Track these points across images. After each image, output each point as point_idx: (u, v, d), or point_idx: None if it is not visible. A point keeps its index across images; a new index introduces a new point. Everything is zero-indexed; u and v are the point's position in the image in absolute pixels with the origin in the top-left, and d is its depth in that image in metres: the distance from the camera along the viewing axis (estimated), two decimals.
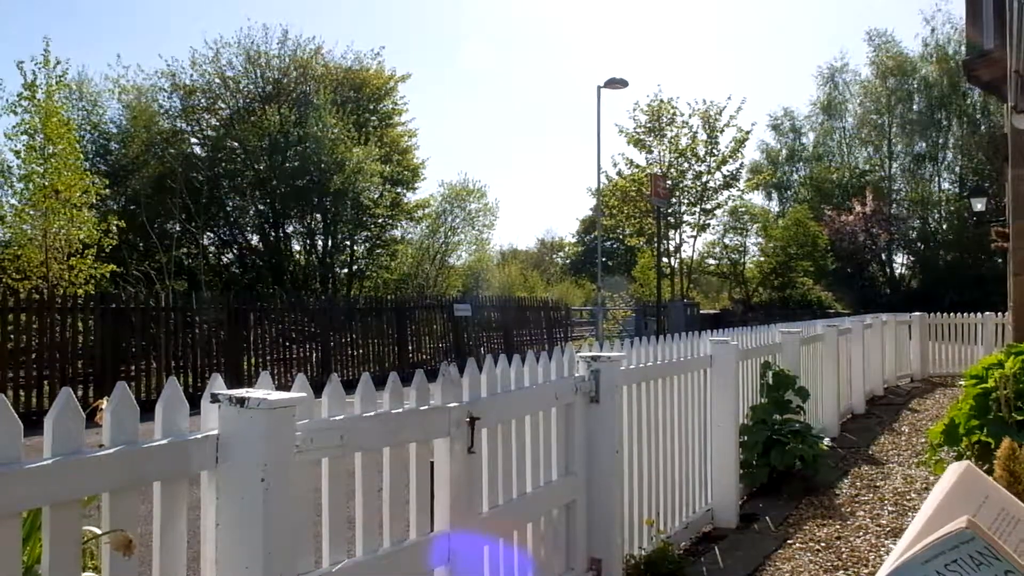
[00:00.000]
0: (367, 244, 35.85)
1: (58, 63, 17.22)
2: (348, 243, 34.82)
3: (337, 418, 2.59)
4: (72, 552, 1.96)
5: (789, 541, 5.54)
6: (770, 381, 7.34)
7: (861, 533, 5.70)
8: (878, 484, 7.13)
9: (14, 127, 16.75)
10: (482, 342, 23.00)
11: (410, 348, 20.23)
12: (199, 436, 2.19)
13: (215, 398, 2.21)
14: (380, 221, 35.40)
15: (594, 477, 4.14)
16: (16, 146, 16.89)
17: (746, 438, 6.75)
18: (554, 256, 71.14)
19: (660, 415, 5.21)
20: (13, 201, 17.65)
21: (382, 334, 19.49)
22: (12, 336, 12.16)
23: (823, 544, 5.47)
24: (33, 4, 56.33)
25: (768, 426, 6.96)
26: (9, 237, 17.63)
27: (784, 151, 51.66)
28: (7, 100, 17.06)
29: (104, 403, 2.36)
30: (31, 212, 16.15)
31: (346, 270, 34.84)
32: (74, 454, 1.92)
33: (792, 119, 51.12)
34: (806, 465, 7.00)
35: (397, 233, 37.22)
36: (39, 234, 15.93)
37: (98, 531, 2.32)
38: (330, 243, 34.00)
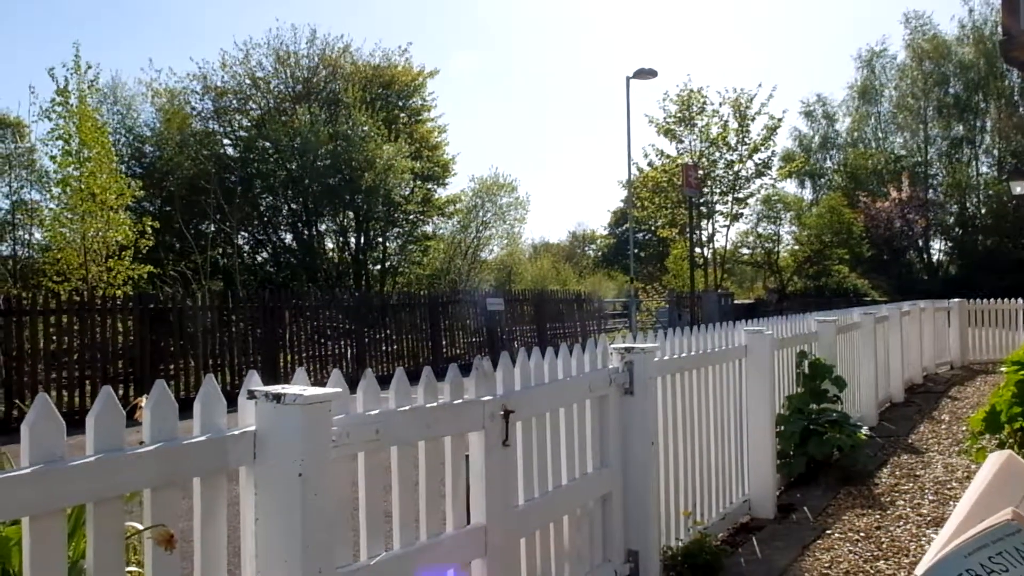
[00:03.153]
0: (399, 240, 36.00)
1: (89, 68, 17.48)
2: (380, 240, 34.98)
3: (372, 412, 2.61)
4: (116, 547, 1.99)
5: (828, 531, 5.49)
6: (806, 370, 7.27)
7: (901, 523, 5.64)
8: (918, 473, 7.04)
9: (49, 132, 17.04)
10: (515, 336, 23.01)
11: (444, 343, 20.29)
12: (237, 432, 2.21)
13: (252, 394, 2.24)
14: (412, 217, 35.54)
15: (630, 469, 4.14)
16: (52, 151, 17.18)
17: (783, 428, 6.70)
18: (586, 248, 71.00)
19: (695, 406, 5.19)
20: (51, 205, 17.95)
21: (415, 329, 19.56)
22: (54, 337, 12.36)
23: (863, 534, 5.42)
24: (64, 12, 57.15)
25: (805, 416, 6.91)
26: (48, 241, 17.91)
27: (817, 138, 51.07)
28: (41, 107, 17.34)
29: (143, 401, 2.40)
30: (69, 216, 16.40)
31: (379, 266, 35.01)
32: (116, 451, 1.96)
33: (825, 105, 50.51)
34: (844, 455, 6.94)
35: (429, 229, 37.36)
36: (77, 237, 16.17)
37: (140, 527, 2.36)
38: (363, 240, 34.17)
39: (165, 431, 2.09)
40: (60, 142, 16.59)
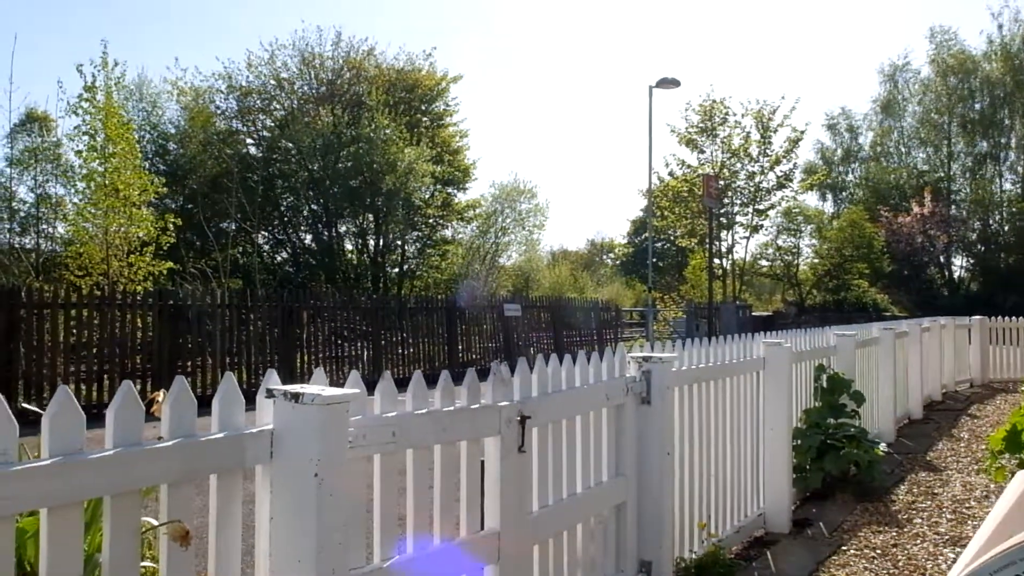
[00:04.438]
0: (418, 244, 36.07)
1: (116, 64, 17.63)
2: (399, 243, 35.06)
3: (389, 415, 2.61)
4: (131, 541, 2.00)
5: (843, 547, 5.45)
6: (824, 384, 7.23)
7: (918, 541, 5.58)
8: (936, 491, 6.98)
9: (75, 128, 17.19)
10: (532, 342, 22.98)
11: (460, 347, 20.29)
12: (254, 430, 2.22)
13: (270, 393, 2.24)
14: (431, 221, 35.62)
15: (645, 479, 4.12)
16: (78, 146, 17.32)
17: (799, 442, 6.66)
18: (604, 257, 70.92)
19: (712, 417, 5.16)
20: (75, 200, 18.09)
21: (432, 333, 19.57)
22: (75, 331, 12.45)
23: (879, 551, 5.37)
24: (93, 9, 57.69)
25: (822, 430, 6.86)
26: (71, 235, 18.06)
27: (840, 151, 50.88)
28: (68, 102, 17.50)
29: (161, 395, 2.41)
30: (92, 210, 16.52)
31: (397, 269, 35.09)
32: (134, 446, 1.97)
33: (849, 118, 50.33)
34: (861, 470, 6.88)
35: (448, 233, 37.41)
36: (100, 232, 16.28)
37: (155, 522, 2.37)
38: (382, 243, 34.25)
39: (184, 427, 2.10)
40: (86, 137, 16.74)
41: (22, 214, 27.57)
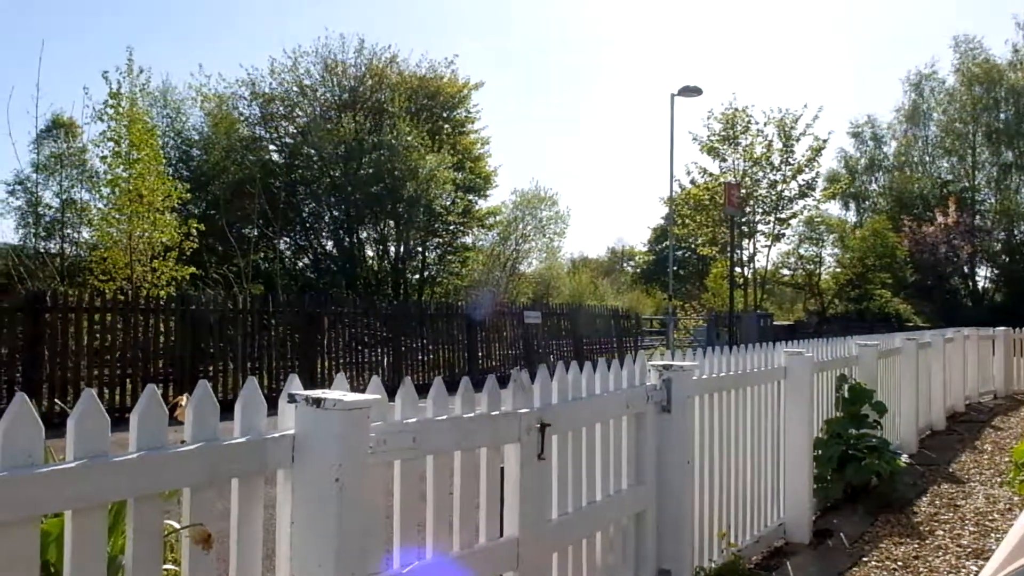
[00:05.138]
0: (439, 250, 36.16)
1: (141, 71, 17.83)
2: (420, 249, 35.15)
3: (410, 421, 2.61)
4: (154, 544, 2.01)
5: (864, 559, 5.40)
6: (846, 394, 7.18)
7: (940, 553, 5.53)
8: (959, 503, 6.91)
9: (101, 134, 17.36)
10: (551, 349, 22.96)
11: (480, 354, 20.30)
12: (276, 435, 2.23)
13: (292, 398, 2.25)
14: (452, 228, 35.71)
15: (665, 487, 4.10)
16: (103, 152, 17.49)
17: (820, 452, 6.62)
18: (624, 265, 70.82)
19: (732, 426, 5.14)
20: (100, 205, 18.25)
21: (452, 340, 19.60)
22: (98, 335, 12.55)
23: (900, 563, 5.32)
24: (119, 17, 58.30)
25: (843, 440, 6.81)
26: (96, 240, 18.22)
27: (863, 160, 50.60)
28: (94, 108, 17.68)
29: (184, 399, 2.43)
30: (117, 216, 16.67)
31: (417, 276, 35.18)
32: (158, 449, 1.98)
33: (874, 127, 50.04)
34: (882, 481, 6.83)
35: (468, 240, 37.48)
36: (124, 237, 16.42)
37: (177, 525, 2.39)
38: (402, 249, 34.35)
39: (206, 431, 2.11)
40: (111, 143, 16.90)
41: (47, 219, 27.89)
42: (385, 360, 17.56)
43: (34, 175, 27.75)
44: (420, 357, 18.58)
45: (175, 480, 2.04)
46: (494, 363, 20.49)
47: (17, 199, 28.42)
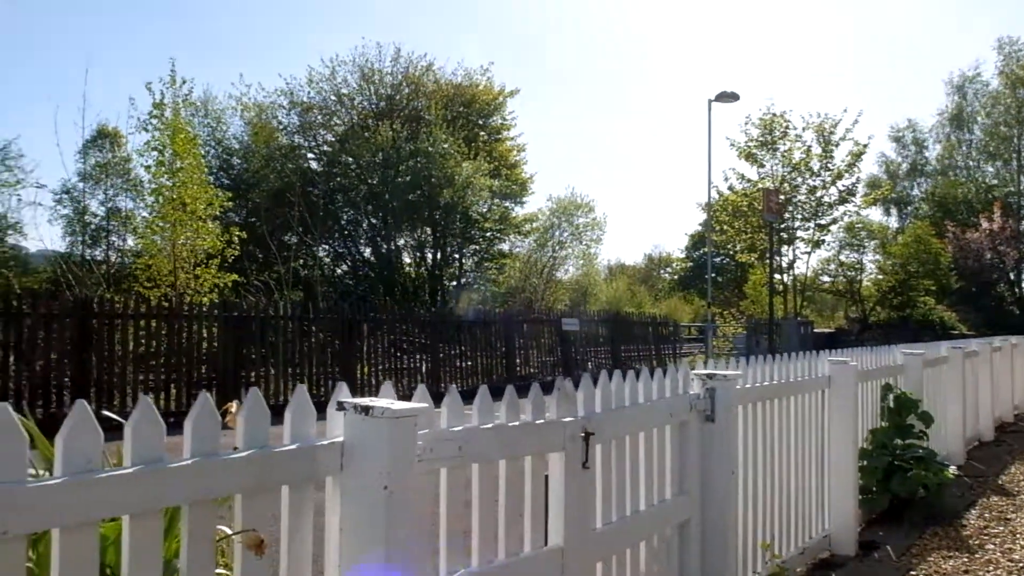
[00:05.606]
0: (475, 257, 36.27)
1: (184, 82, 18.12)
2: (457, 256, 35.30)
3: (456, 429, 2.62)
4: (208, 549, 2.04)
5: (912, 572, 5.32)
6: (891, 404, 7.08)
7: (991, 568, 5.43)
8: (1009, 516, 6.78)
9: (145, 144, 17.69)
10: (589, 357, 22.92)
11: (517, 361, 20.32)
12: (325, 442, 2.25)
13: (341, 406, 2.27)
14: (488, 235, 35.80)
15: (709, 497, 4.08)
16: (147, 162, 17.81)
17: (865, 463, 6.53)
18: (662, 271, 70.46)
19: (776, 436, 5.09)
20: (144, 214, 18.55)
21: (490, 347, 19.64)
22: (143, 341, 12.77)
23: None
24: (162, 28, 59.24)
25: (889, 451, 6.72)
26: (141, 247, 18.54)
27: (905, 165, 49.95)
28: (139, 119, 18.02)
29: (234, 406, 2.46)
30: (161, 224, 16.95)
31: (455, 283, 35.30)
32: (212, 456, 2.01)
33: (915, 131, 49.38)
34: (929, 493, 6.72)
35: (505, 247, 37.55)
36: (168, 245, 16.69)
37: (227, 531, 2.42)
38: (439, 256, 34.52)
39: (258, 438, 2.13)
40: (155, 153, 17.20)
41: (93, 227, 28.39)
42: (424, 367, 17.65)
43: (80, 184, 28.30)
44: (458, 363, 18.64)
45: (228, 486, 2.07)
46: (532, 369, 20.50)
47: (64, 207, 29.03)
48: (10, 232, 25.64)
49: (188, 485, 1.95)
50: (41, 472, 2.57)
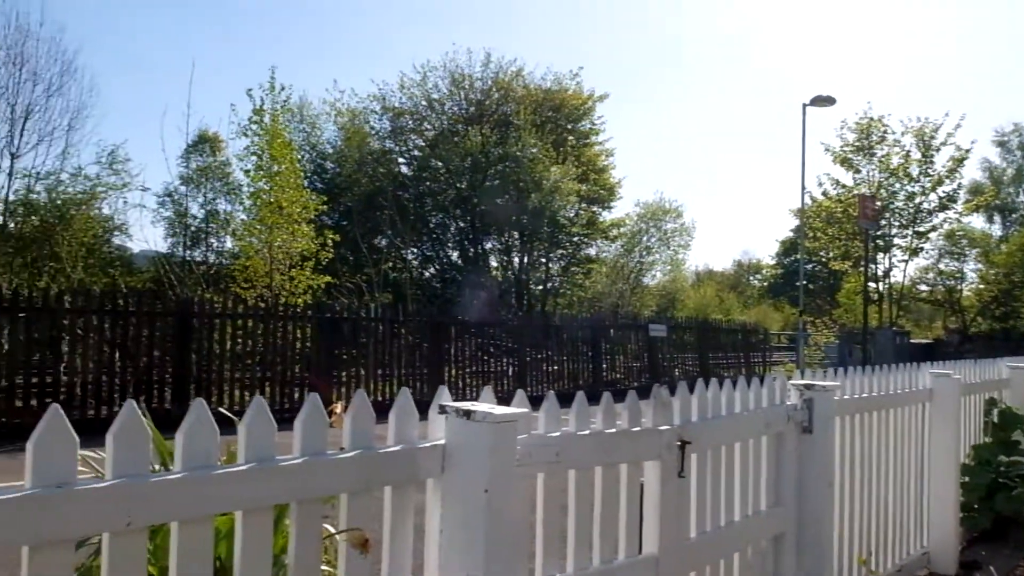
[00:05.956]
0: (562, 262, 36.27)
1: (282, 89, 18.63)
2: (543, 260, 35.34)
3: (554, 435, 2.64)
4: (315, 546, 2.10)
5: None
6: (995, 419, 6.83)
7: None
8: None
9: (244, 148, 18.24)
10: (676, 364, 22.70)
11: (604, 366, 20.25)
12: (427, 445, 2.29)
13: (443, 409, 2.31)
14: (575, 239, 35.75)
15: (805, 510, 4.00)
16: (246, 166, 18.37)
17: (967, 479, 6.31)
18: (751, 278, 69.26)
19: (874, 449, 4.97)
20: (242, 216, 19.14)
21: (576, 351, 19.62)
22: (240, 340, 13.16)
23: None
24: (261, 35, 60.97)
25: (992, 468, 6.48)
26: (238, 249, 19.12)
27: (1010, 170, 48.07)
28: (239, 124, 18.62)
29: (338, 407, 2.52)
30: (258, 226, 17.45)
31: (541, 287, 35.36)
32: (320, 455, 2.07)
33: (1021, 135, 47.49)
34: None
35: (592, 251, 37.44)
36: (265, 247, 17.17)
37: (331, 529, 2.48)
38: (526, 260, 34.62)
39: (363, 439, 2.18)
40: (254, 157, 17.72)
41: (193, 229, 29.36)
42: (510, 370, 17.74)
43: (182, 187, 29.30)
44: (545, 367, 18.67)
45: (334, 486, 2.12)
46: (618, 375, 20.41)
47: (166, 210, 30.06)
48: (116, 233, 26.66)
49: (298, 483, 2.01)
50: (157, 467, 2.68)
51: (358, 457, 2.15)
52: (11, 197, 23.30)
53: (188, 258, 26.25)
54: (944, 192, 34.04)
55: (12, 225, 23.34)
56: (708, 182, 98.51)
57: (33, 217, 23.46)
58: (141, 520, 1.74)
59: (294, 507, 2.05)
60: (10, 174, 23.14)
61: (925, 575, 5.52)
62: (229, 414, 3.49)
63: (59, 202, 23.53)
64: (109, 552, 1.71)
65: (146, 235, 51.93)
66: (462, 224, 34.54)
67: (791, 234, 52.79)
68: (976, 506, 6.34)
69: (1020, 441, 6.77)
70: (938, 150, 33.50)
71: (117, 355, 12.03)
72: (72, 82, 25.33)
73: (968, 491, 6.27)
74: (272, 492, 1.98)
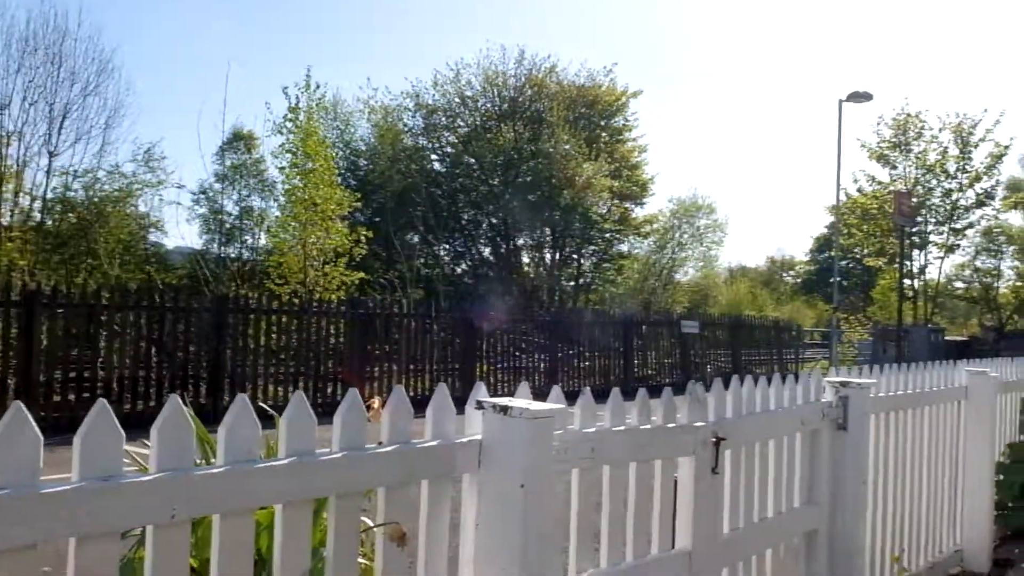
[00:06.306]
0: (594, 258, 36.20)
1: (317, 87, 18.77)
2: (576, 256, 35.30)
3: (589, 431, 2.66)
4: (353, 539, 2.14)
5: None
6: None
7: None
8: None
9: (280, 146, 18.40)
10: (708, 360, 22.59)
11: (635, 362, 20.21)
12: (464, 440, 2.31)
13: (479, 405, 2.33)
14: (608, 235, 35.67)
15: (838, 507, 3.99)
16: (281, 163, 18.52)
17: (1002, 477, 6.24)
18: (784, 275, 68.67)
19: (908, 447, 4.94)
20: (277, 213, 19.31)
21: (608, 347, 19.59)
22: (274, 335, 13.30)
23: None
24: (296, 34, 61.36)
25: None
26: (273, 245, 19.30)
27: None
28: (274, 122, 18.79)
29: (376, 402, 2.56)
30: (292, 223, 17.60)
31: (573, 283, 35.32)
32: (359, 450, 2.10)
33: None
34: None
35: (624, 248, 37.35)
36: (299, 243, 17.32)
37: (369, 523, 2.52)
38: (558, 256, 34.59)
39: (400, 434, 2.21)
40: (288, 155, 17.87)
41: (228, 225, 29.64)
42: (542, 365, 17.76)
43: (216, 184, 29.60)
44: (576, 363, 18.67)
45: (373, 480, 2.15)
46: (650, 371, 20.36)
47: (201, 207, 30.36)
48: (152, 230, 27.01)
49: (337, 477, 2.04)
50: (198, 460, 2.73)
51: (396, 452, 2.18)
52: (49, 195, 23.69)
53: (223, 255, 26.55)
54: (982, 188, 33.58)
55: (50, 222, 23.71)
56: (742, 179, 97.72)
57: (71, 215, 23.83)
58: (184, 513, 1.77)
59: (333, 500, 2.08)
60: (48, 172, 23.52)
61: (958, 572, 5.48)
62: (268, 408, 3.55)
63: (96, 199, 23.87)
64: (153, 544, 1.75)
65: (181, 232, 52.54)
66: (494, 220, 34.57)
67: (825, 231, 52.29)
68: (1010, 504, 6.27)
69: None
70: (976, 146, 33.04)
71: (153, 350, 12.20)
72: (109, 81, 25.63)
73: (1002, 489, 6.20)
74: (312, 486, 2.01)
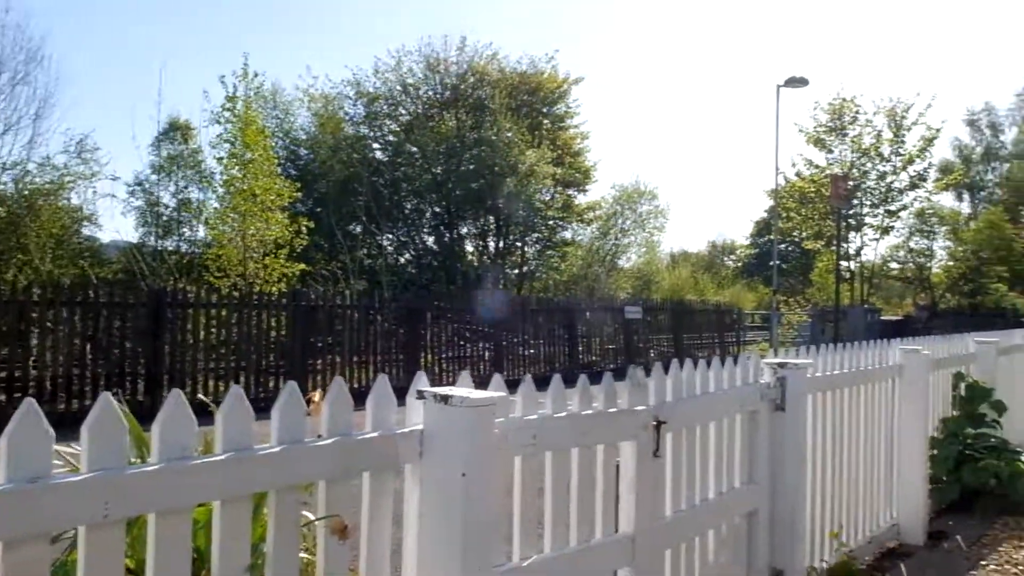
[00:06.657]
0: (538, 245, 36.28)
1: (256, 75, 18.44)
2: (519, 244, 35.34)
3: (531, 418, 2.67)
4: (293, 534, 2.12)
5: (983, 562, 5.24)
6: (963, 393, 6.96)
7: None
8: None
9: (217, 136, 18.06)
10: (652, 345, 22.83)
11: (580, 349, 20.34)
12: (406, 430, 2.30)
13: (421, 394, 2.33)
14: (551, 223, 35.76)
15: (778, 486, 4.07)
16: (219, 154, 18.19)
17: (935, 452, 6.43)
18: (725, 259, 69.60)
19: (845, 425, 5.06)
20: (215, 204, 18.98)
21: (552, 335, 19.68)
22: (214, 329, 13.09)
23: (1022, 568, 5.15)
24: (234, 22, 60.30)
25: (960, 440, 6.61)
26: (211, 238, 18.97)
27: (979, 149, 48.56)
28: (211, 112, 18.42)
29: (317, 395, 2.54)
30: (231, 215, 17.32)
31: (517, 271, 35.38)
32: (298, 443, 2.08)
33: (991, 114, 47.98)
34: (1001, 483, 6.58)
35: (567, 235, 37.48)
36: (238, 235, 17.05)
37: (310, 516, 2.50)
38: (502, 244, 34.60)
39: (341, 426, 2.20)
40: (227, 145, 17.57)
41: (165, 218, 29.06)
42: (486, 354, 17.77)
43: (153, 176, 28.97)
44: (521, 351, 18.72)
45: (313, 473, 2.14)
46: (594, 357, 20.50)
47: (137, 199, 29.68)
48: (85, 224, 26.30)
49: (276, 471, 2.02)
50: (134, 459, 2.68)
51: (336, 444, 2.16)
52: None
53: (160, 248, 25.98)
54: (915, 171, 34.41)
55: None
56: (683, 164, 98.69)
57: None
58: (118, 512, 1.74)
59: (272, 495, 2.06)
60: None
61: (895, 546, 5.63)
62: (207, 400, 3.49)
63: (26, 192, 23.17)
64: (86, 545, 1.72)
65: (116, 225, 51.42)
66: (437, 209, 34.41)
67: (765, 215, 53.12)
68: (944, 478, 6.46)
69: (986, 414, 6.91)
70: (909, 130, 33.83)
71: (88, 347, 11.92)
72: (39, 70, 24.91)
73: (936, 464, 6.39)
74: (251, 481, 1.99)
